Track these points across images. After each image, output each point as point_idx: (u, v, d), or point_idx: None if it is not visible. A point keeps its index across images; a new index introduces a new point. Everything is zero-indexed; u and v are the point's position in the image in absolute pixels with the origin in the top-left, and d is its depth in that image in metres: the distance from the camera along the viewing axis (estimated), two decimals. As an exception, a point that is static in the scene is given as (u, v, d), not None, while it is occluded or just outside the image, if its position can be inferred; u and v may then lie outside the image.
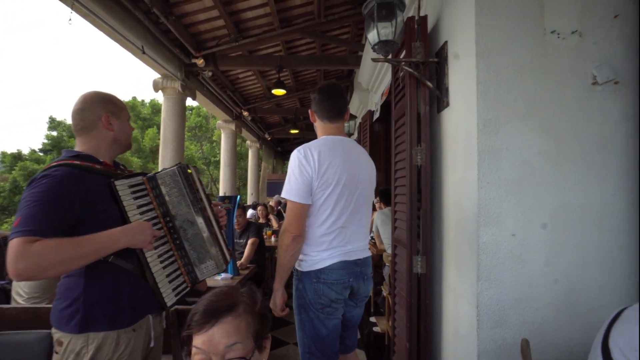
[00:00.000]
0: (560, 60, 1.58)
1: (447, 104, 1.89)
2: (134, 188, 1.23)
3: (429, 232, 1.96)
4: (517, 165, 1.56)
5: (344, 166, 1.54)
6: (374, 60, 2.15)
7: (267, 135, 12.02)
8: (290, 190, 1.49)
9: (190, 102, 6.40)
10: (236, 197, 2.90)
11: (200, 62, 5.17)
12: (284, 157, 18.28)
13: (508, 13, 1.59)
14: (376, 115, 4.14)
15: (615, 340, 1.06)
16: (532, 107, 1.57)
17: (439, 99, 2.00)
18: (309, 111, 1.72)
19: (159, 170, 1.35)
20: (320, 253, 1.53)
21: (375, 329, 3.36)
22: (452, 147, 1.85)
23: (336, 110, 1.66)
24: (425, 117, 1.98)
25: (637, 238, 1.55)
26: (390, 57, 2.32)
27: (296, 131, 9.27)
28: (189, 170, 1.36)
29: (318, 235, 1.53)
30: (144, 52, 4.18)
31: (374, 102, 4.25)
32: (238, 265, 3.02)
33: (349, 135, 5.01)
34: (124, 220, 1.17)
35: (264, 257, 3.89)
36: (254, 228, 3.63)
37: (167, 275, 1.24)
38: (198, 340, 0.69)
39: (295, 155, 1.52)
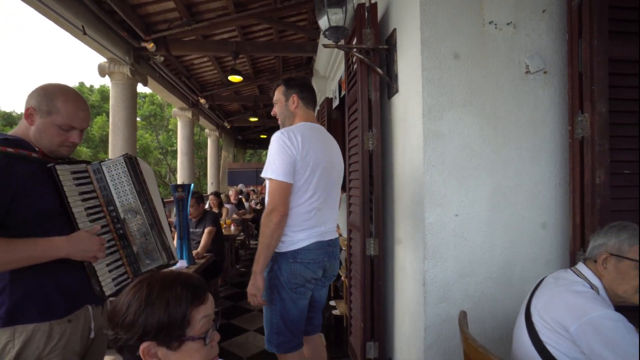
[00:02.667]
0: (497, 49, 1.67)
1: (397, 90, 1.95)
2: (76, 174, 1.19)
3: (380, 215, 2.02)
4: (460, 149, 1.64)
5: (323, 151, 1.63)
6: (325, 46, 2.15)
7: (226, 124, 11.69)
8: (276, 170, 1.51)
9: (143, 89, 6.07)
10: (190, 185, 2.82)
11: (150, 46, 4.88)
12: (245, 145, 17.92)
13: (450, 3, 1.65)
14: (335, 103, 4.16)
15: (535, 305, 1.17)
16: (473, 93, 1.65)
17: (389, 86, 2.05)
18: (292, 97, 1.73)
19: (105, 159, 1.33)
20: (297, 233, 1.58)
21: (334, 312, 3.44)
22: (401, 132, 1.91)
23: (315, 99, 1.77)
24: (376, 103, 2.02)
25: (563, 215, 1.70)
26: (343, 43, 2.33)
27: (256, 119, 9.10)
28: (136, 162, 1.34)
29: (297, 216, 1.58)
30: (85, 33, 3.87)
31: (332, 90, 4.27)
32: (194, 254, 2.95)
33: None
34: (62, 206, 1.12)
35: (222, 246, 3.83)
36: (210, 217, 3.55)
37: (107, 265, 1.22)
38: (205, 310, 0.73)
39: (278, 137, 1.55)
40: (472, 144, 1.65)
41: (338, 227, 3.51)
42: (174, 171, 19.36)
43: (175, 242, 2.93)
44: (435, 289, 1.65)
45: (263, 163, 1.71)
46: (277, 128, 1.74)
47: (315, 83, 5.40)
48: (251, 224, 7.62)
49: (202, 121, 10.08)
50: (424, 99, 1.62)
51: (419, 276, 1.69)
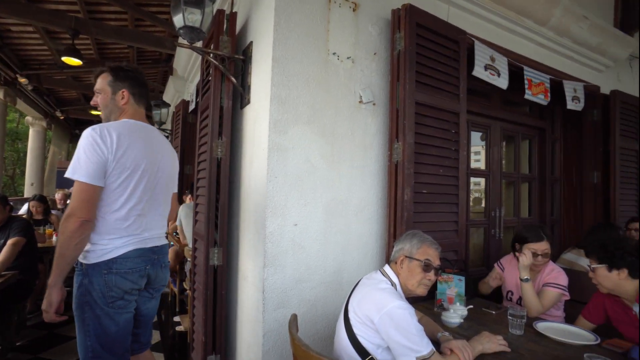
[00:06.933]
0: (338, 78, 1.89)
1: (249, 102, 1.99)
2: None
3: (225, 223, 2.00)
4: (301, 163, 1.78)
5: (145, 152, 1.49)
6: (178, 44, 2.05)
7: (59, 113, 9.68)
8: (80, 170, 1.34)
9: None
10: (-14, 185, 2.21)
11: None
12: (85, 142, 15.11)
13: (301, 29, 1.79)
14: (192, 107, 3.96)
15: (352, 303, 1.35)
16: (316, 113, 1.82)
17: (242, 96, 2.07)
18: (122, 91, 1.57)
19: None
20: (112, 241, 1.42)
21: (178, 328, 3.19)
22: (249, 143, 1.95)
23: (147, 95, 1.65)
24: (227, 111, 2.01)
25: (382, 225, 2.02)
26: (201, 46, 2.26)
27: (98, 112, 7.82)
28: None
29: (111, 222, 1.42)
30: None
31: (189, 92, 4.06)
32: (-14, 274, 2.31)
33: (161, 124, 4.61)
34: None
35: (35, 261, 3.10)
36: (18, 225, 2.84)
37: None
38: None
39: (89, 134, 1.38)
40: (313, 159, 1.81)
41: (183, 237, 3.31)
42: (-28, 165, 14.86)
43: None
44: (274, 296, 1.72)
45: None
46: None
47: (172, 83, 5.03)
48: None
49: (22, 106, 8.11)
50: (271, 113, 1.70)
51: (259, 284, 1.73)
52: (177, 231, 3.50)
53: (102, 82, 1.56)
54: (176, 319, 3.40)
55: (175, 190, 1.75)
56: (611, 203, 2.99)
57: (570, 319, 1.85)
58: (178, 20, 1.90)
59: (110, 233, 1.42)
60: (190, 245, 2.68)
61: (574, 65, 3.07)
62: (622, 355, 1.31)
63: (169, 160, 1.65)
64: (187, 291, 2.92)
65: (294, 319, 1.41)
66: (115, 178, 1.41)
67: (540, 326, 1.55)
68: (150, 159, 1.51)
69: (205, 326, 2.01)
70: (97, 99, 1.58)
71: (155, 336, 3.10)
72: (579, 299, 1.81)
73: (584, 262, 2.31)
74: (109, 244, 1.41)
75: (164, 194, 1.62)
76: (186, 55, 3.82)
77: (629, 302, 1.56)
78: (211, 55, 2.03)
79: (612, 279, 1.53)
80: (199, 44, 2.28)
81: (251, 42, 2.04)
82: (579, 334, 1.52)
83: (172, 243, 3.57)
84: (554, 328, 1.56)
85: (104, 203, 1.40)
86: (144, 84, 1.63)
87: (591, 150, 3.10)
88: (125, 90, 1.57)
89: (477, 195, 3.08)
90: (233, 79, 1.99)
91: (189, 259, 2.71)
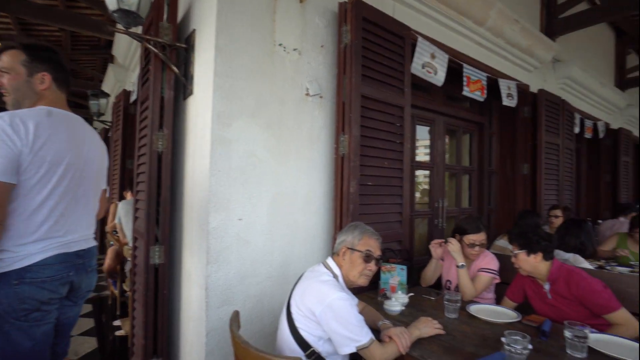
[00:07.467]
0: (284, 69, 1.87)
1: (192, 92, 1.90)
2: None
3: (167, 220, 1.91)
4: (246, 156, 1.74)
5: (69, 144, 1.34)
6: (114, 30, 1.90)
7: (-21, 102, 8.64)
8: None
9: None
10: None
11: None
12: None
13: (246, 18, 1.74)
14: (134, 97, 3.72)
15: (294, 297, 1.35)
16: (261, 105, 1.78)
17: (185, 86, 1.98)
18: (42, 75, 1.37)
19: None
20: (27, 247, 1.24)
21: (119, 332, 3.01)
22: (192, 135, 1.87)
23: (69, 81, 1.48)
24: (169, 102, 1.91)
25: (329, 218, 2.04)
26: (141, 32, 2.11)
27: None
28: None
29: (27, 224, 1.25)
30: None
31: (131, 82, 3.81)
32: None
33: (99, 115, 4.29)
34: None
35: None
36: None
37: None
38: None
39: None
40: (258, 152, 1.77)
41: (123, 235, 3.10)
42: None
43: None
44: (217, 293, 1.67)
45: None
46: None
47: (113, 71, 4.69)
48: None
49: None
50: (214, 105, 1.64)
51: (202, 281, 1.67)
52: (117, 229, 3.29)
53: (11, 61, 1.34)
54: (116, 323, 3.21)
55: (105, 186, 1.61)
56: (537, 192, 3.29)
57: (500, 300, 2.00)
58: (111, 2, 1.75)
59: (25, 236, 1.24)
60: (131, 244, 2.53)
61: (507, 65, 3.30)
62: (536, 328, 1.46)
63: (97, 153, 1.51)
64: (127, 292, 2.75)
65: (235, 315, 1.38)
66: (33, 173, 1.24)
67: (472, 309, 1.66)
68: (76, 151, 1.36)
69: (145, 329, 1.91)
70: (2, 79, 1.35)
71: (92, 343, 2.91)
72: (509, 282, 1.96)
73: None
74: (22, 250, 1.23)
75: (93, 191, 1.48)
76: (126, 41, 3.57)
77: (541, 281, 1.73)
78: (151, 42, 1.91)
79: (530, 262, 1.70)
80: (139, 30, 2.14)
81: (194, 30, 1.95)
82: (504, 313, 1.67)
83: (112, 242, 3.34)
84: (484, 309, 1.69)
85: (18, 203, 1.23)
86: (66, 68, 1.46)
87: (522, 143, 3.37)
88: (47, 73, 1.38)
89: (425, 187, 3.22)
90: (175, 69, 1.89)
91: (129, 259, 2.56)
